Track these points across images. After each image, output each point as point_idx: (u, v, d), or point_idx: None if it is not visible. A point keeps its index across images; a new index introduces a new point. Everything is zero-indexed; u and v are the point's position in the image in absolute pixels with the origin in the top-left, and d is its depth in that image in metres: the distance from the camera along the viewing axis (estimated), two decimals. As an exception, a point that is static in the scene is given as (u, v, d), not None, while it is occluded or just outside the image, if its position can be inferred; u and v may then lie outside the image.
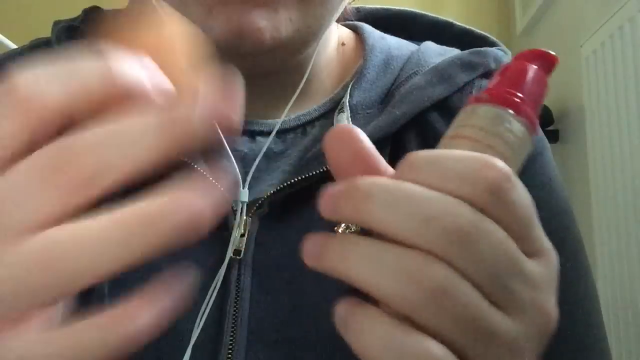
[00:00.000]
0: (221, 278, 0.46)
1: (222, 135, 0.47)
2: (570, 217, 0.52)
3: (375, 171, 0.28)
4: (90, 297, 0.43)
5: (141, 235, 0.23)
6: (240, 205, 0.48)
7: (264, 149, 0.50)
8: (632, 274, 1.23)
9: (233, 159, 0.48)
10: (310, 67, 0.52)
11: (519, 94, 0.29)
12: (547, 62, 0.30)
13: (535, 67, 0.30)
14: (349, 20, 0.62)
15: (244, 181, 0.49)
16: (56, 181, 0.23)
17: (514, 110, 0.28)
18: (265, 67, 0.50)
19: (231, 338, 0.44)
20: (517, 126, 0.28)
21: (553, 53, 0.30)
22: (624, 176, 1.27)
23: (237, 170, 0.48)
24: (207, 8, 0.44)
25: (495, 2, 2.32)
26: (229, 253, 0.46)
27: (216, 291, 0.45)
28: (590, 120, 1.46)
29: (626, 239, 1.25)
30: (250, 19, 0.44)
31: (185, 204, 0.24)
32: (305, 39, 0.49)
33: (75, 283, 0.23)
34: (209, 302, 0.45)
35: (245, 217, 0.47)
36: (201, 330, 0.44)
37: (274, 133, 0.50)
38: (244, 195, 0.48)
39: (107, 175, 0.24)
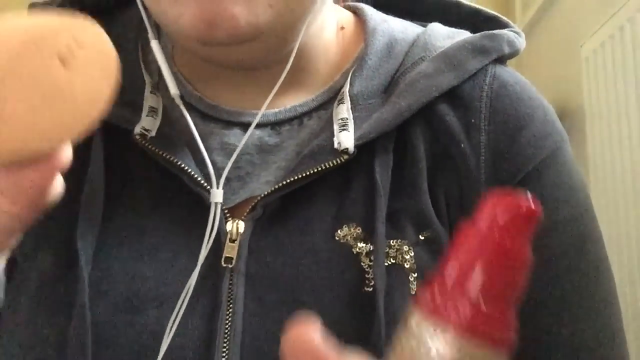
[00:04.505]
0: (190, 290, 0.42)
1: (194, 129, 0.45)
2: (590, 216, 0.48)
3: None
4: (71, 309, 0.41)
5: None
6: (214, 207, 0.43)
7: (241, 144, 0.45)
8: (632, 274, 1.23)
9: (205, 154, 0.44)
10: (293, 55, 0.46)
11: (467, 302, 0.22)
12: (523, 220, 0.23)
13: (501, 242, 0.23)
14: (348, 2, 0.56)
15: (222, 179, 0.45)
16: None
17: (459, 331, 0.22)
18: (245, 60, 0.46)
19: (224, 356, 0.41)
20: (453, 344, 0.22)
21: (530, 205, 0.23)
22: (624, 176, 1.27)
23: (211, 169, 0.44)
24: None
25: (495, 2, 2.32)
26: (201, 257, 0.42)
27: (184, 305, 0.42)
28: (590, 120, 1.46)
29: (626, 239, 1.25)
30: (222, 4, 0.39)
31: None
32: (289, 26, 0.44)
33: None
34: (176, 317, 0.41)
35: (236, 221, 0.44)
36: (190, 348, 0.41)
37: (253, 125, 0.45)
38: (217, 195, 0.44)
39: None
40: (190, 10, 0.40)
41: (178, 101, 0.45)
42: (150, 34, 0.47)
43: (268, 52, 0.45)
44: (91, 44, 0.28)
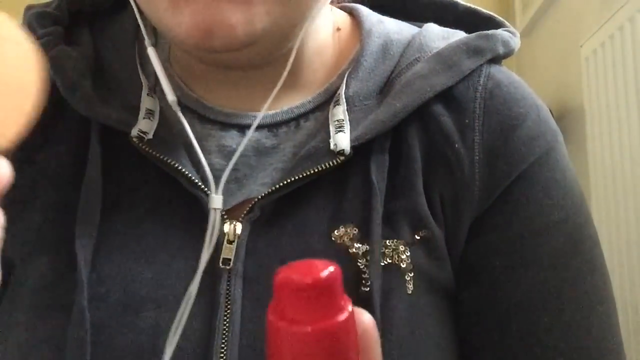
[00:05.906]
0: (194, 292, 0.42)
1: (190, 133, 0.44)
2: (585, 215, 0.49)
3: None
4: (69, 311, 0.41)
5: None
6: (213, 213, 0.43)
7: (241, 147, 0.45)
8: (631, 274, 1.23)
9: (203, 158, 0.44)
10: (292, 58, 0.46)
11: None
12: (306, 293, 0.20)
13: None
14: (344, 2, 0.56)
15: (221, 184, 0.44)
16: None
17: None
18: (241, 62, 0.46)
19: (222, 356, 0.41)
20: None
21: (305, 277, 0.20)
22: (624, 176, 1.27)
23: (209, 173, 0.44)
24: (174, 2, 0.40)
25: (495, 2, 2.32)
26: (202, 261, 0.42)
27: (189, 306, 0.42)
28: (590, 120, 1.46)
29: (626, 239, 1.25)
30: (220, 13, 0.39)
31: None
32: (286, 32, 0.44)
33: None
34: (181, 317, 0.41)
35: (233, 223, 0.44)
36: (189, 349, 0.41)
37: (253, 127, 0.45)
38: (216, 201, 0.44)
39: None
40: (188, 20, 0.39)
41: (175, 107, 0.45)
42: (147, 42, 0.47)
43: (264, 55, 0.46)
44: (7, 37, 0.25)
